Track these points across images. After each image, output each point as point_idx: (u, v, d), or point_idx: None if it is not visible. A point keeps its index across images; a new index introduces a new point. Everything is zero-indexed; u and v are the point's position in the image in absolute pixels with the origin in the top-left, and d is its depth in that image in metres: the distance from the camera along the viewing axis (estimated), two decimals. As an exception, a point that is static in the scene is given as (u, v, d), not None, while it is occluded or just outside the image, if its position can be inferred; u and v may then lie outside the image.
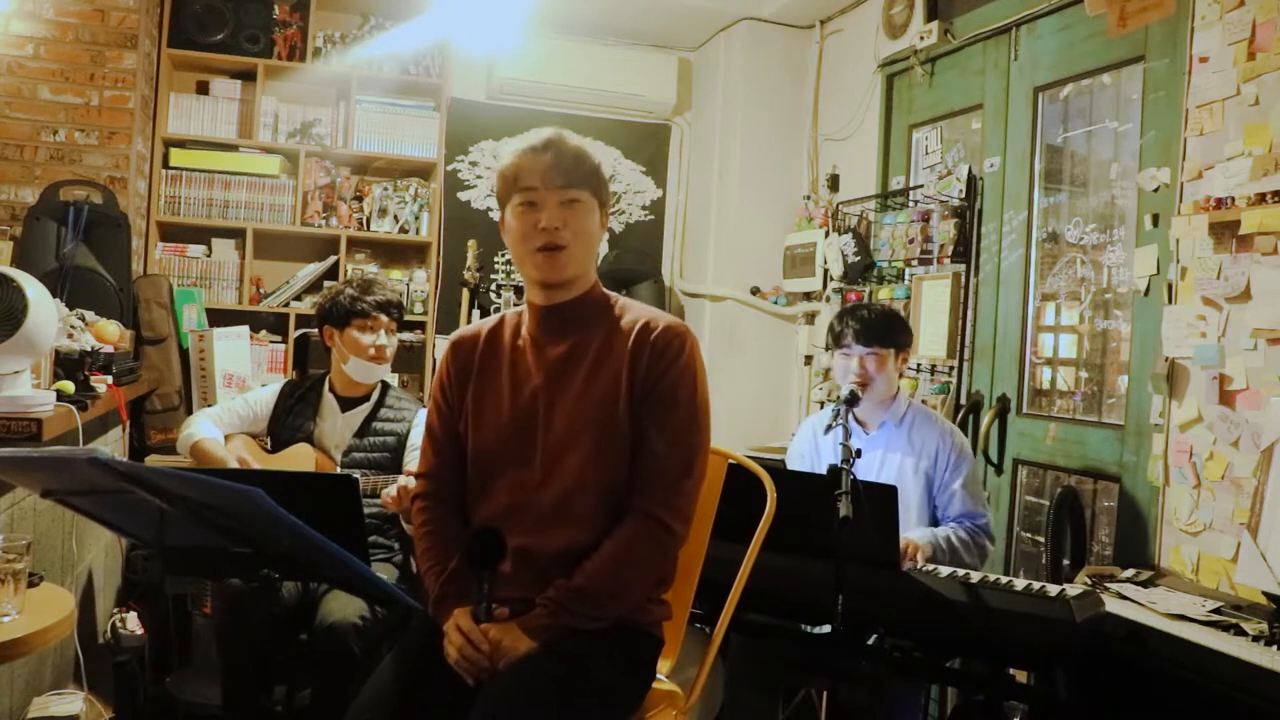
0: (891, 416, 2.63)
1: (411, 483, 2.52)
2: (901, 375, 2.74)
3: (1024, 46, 3.22)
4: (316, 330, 2.97)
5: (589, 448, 1.71)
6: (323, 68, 4.18)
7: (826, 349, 2.70)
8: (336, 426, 2.83)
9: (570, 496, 1.71)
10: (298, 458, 2.77)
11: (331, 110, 4.30)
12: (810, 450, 2.74)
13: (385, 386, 2.91)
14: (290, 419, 2.86)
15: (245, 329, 3.94)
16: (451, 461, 1.83)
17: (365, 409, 2.84)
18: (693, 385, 1.74)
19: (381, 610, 2.43)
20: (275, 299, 4.18)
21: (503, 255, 4.17)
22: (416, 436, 2.78)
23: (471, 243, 4.07)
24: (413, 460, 2.69)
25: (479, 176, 4.63)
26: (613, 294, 1.85)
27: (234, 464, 2.71)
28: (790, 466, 2.79)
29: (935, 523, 2.59)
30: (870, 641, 2.20)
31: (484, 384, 1.81)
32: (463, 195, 4.60)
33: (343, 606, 2.38)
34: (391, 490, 2.49)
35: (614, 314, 1.80)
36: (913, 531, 2.48)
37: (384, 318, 2.83)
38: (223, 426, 2.83)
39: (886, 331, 2.59)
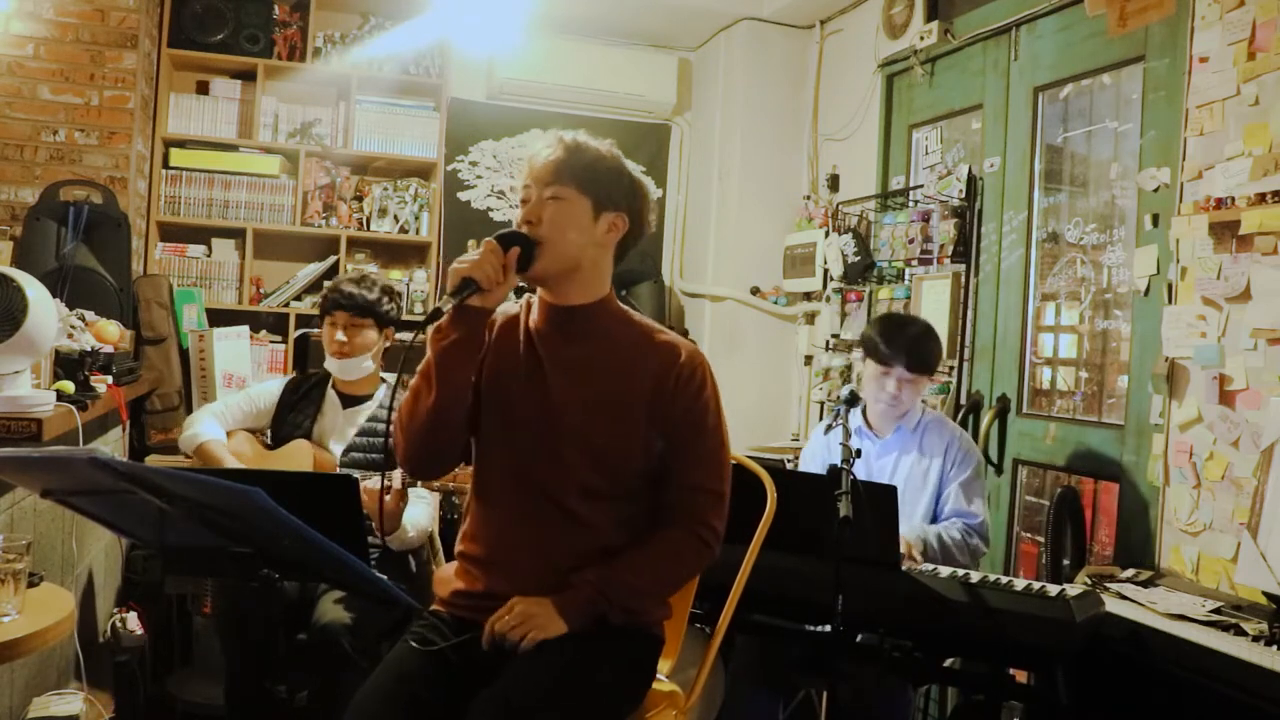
0: (907, 422, 2.64)
1: (374, 483, 2.49)
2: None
3: (1024, 46, 3.21)
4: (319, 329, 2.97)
5: (596, 456, 1.73)
6: (323, 68, 4.18)
7: (862, 357, 2.70)
8: (337, 424, 2.83)
9: (574, 498, 1.73)
10: (295, 454, 2.76)
11: (331, 110, 4.29)
12: (822, 451, 2.75)
13: (390, 386, 2.90)
14: (291, 415, 2.85)
15: (245, 329, 3.94)
16: None
17: (367, 408, 2.84)
18: (718, 411, 1.83)
19: (379, 610, 2.42)
20: (275, 299, 4.18)
21: (503, 255, 4.16)
22: None
23: (471, 243, 4.07)
24: None
25: (479, 176, 4.63)
26: (628, 309, 1.86)
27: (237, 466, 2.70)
28: (803, 467, 2.80)
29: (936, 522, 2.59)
30: (870, 641, 2.20)
31: (495, 368, 1.81)
32: (463, 195, 4.60)
33: (336, 606, 2.38)
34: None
35: (633, 331, 1.82)
36: (902, 528, 2.49)
37: (341, 314, 2.78)
38: (226, 424, 2.84)
39: (929, 359, 2.59)
